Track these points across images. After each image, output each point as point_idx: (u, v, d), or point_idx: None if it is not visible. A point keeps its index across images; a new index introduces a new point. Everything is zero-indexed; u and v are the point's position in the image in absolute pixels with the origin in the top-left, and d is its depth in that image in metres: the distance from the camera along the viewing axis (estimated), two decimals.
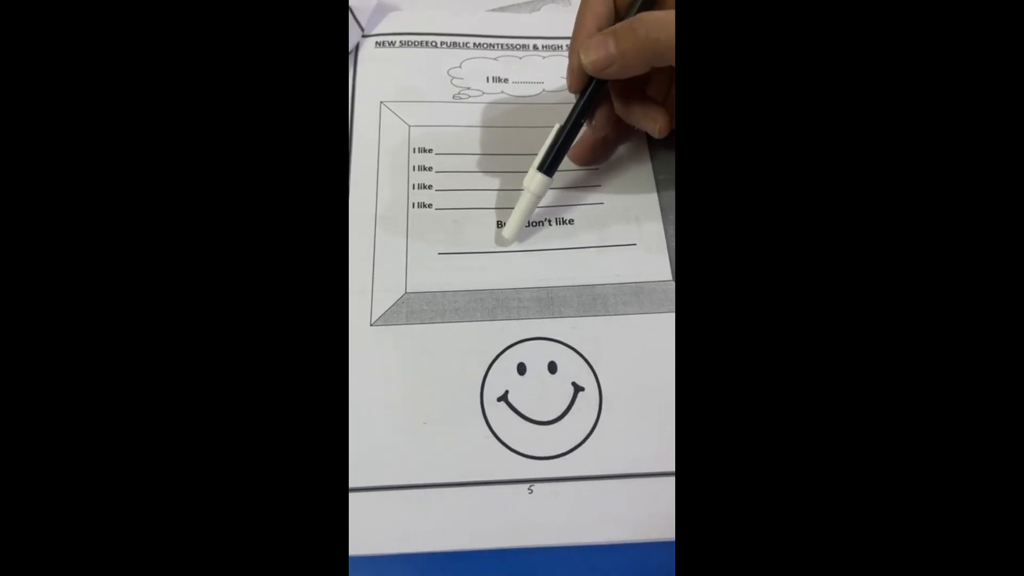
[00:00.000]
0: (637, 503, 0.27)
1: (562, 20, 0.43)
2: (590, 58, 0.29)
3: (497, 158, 0.36)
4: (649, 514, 0.27)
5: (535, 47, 0.41)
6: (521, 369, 0.30)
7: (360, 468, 0.27)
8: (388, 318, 0.31)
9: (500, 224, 0.34)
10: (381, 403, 0.29)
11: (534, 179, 0.32)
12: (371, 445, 0.28)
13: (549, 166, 0.32)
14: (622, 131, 0.36)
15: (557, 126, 0.32)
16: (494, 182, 0.36)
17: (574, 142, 0.32)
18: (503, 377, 0.30)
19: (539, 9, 0.43)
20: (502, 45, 0.41)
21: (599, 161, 0.37)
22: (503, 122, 0.38)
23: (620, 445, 0.29)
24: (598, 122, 0.33)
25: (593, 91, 0.31)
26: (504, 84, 0.39)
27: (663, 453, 0.28)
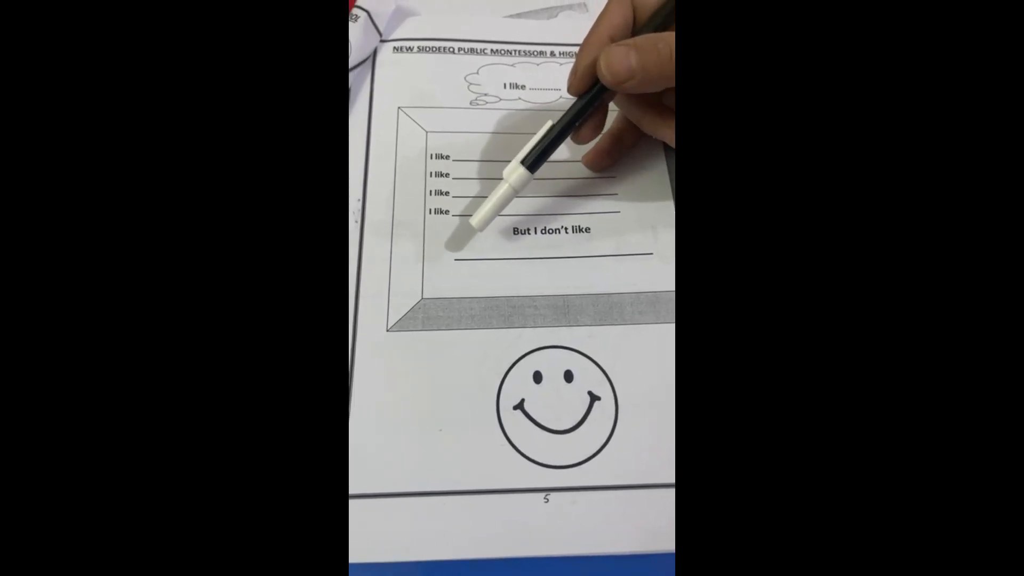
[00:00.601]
0: (653, 514, 0.27)
1: (579, 27, 0.43)
2: (611, 69, 0.29)
3: None
4: (665, 525, 0.27)
5: (552, 54, 0.41)
6: (537, 377, 0.30)
7: (375, 474, 0.27)
8: (404, 324, 0.31)
9: (517, 231, 0.34)
10: (396, 409, 0.29)
11: (515, 172, 0.31)
12: (386, 451, 0.28)
13: (533, 162, 0.31)
14: (635, 137, 0.36)
15: (549, 123, 0.31)
16: None
17: (561, 142, 0.32)
18: (519, 385, 0.30)
19: (556, 16, 0.43)
20: (519, 51, 0.41)
21: (612, 167, 0.37)
22: (520, 129, 0.38)
23: (636, 455, 0.28)
24: (585, 132, 0.32)
25: (594, 97, 0.31)
26: (521, 91, 0.40)
27: None
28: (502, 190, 0.31)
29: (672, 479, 0.28)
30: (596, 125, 0.32)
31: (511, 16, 0.43)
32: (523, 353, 0.31)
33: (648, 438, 0.29)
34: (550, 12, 0.44)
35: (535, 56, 0.41)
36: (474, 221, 0.32)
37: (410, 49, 0.41)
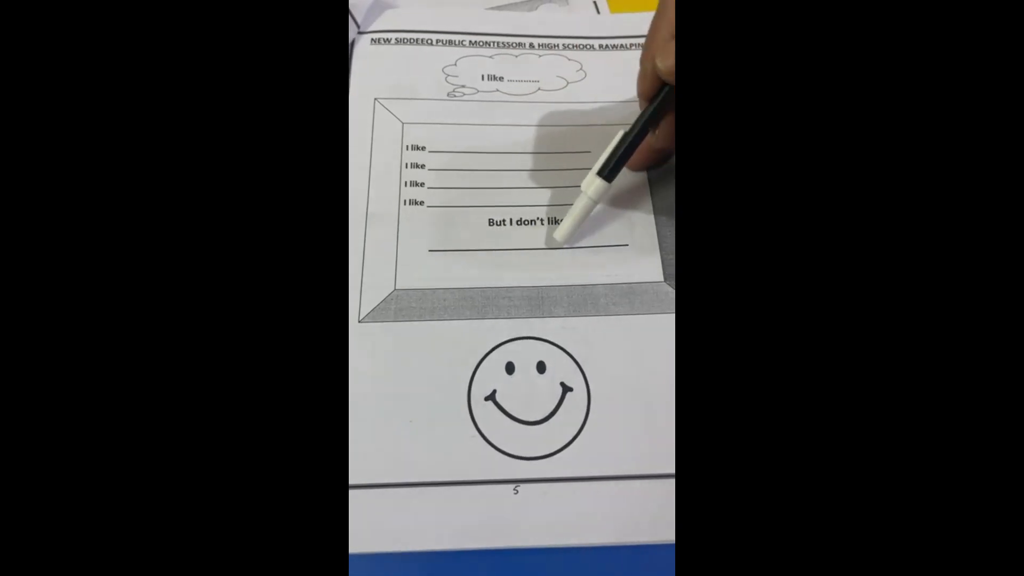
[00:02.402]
0: (624, 505, 0.27)
1: (558, 20, 0.43)
2: (666, 64, 0.29)
3: (490, 156, 0.36)
4: (636, 516, 0.27)
5: (531, 46, 0.41)
6: (509, 368, 0.30)
7: None
8: (376, 315, 0.31)
9: (492, 222, 0.34)
10: (367, 400, 0.29)
11: (592, 184, 0.32)
12: (356, 442, 0.28)
13: (610, 172, 0.31)
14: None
15: (622, 132, 0.31)
16: (487, 180, 0.35)
17: (634, 150, 0.32)
18: (491, 376, 0.30)
19: (536, 9, 0.43)
20: (498, 43, 0.41)
21: (656, 167, 0.36)
22: (497, 120, 0.38)
23: (608, 446, 0.28)
24: (663, 131, 0.32)
25: (664, 98, 0.31)
26: (499, 82, 0.39)
27: (651, 455, 0.28)
28: (582, 203, 0.32)
29: (643, 470, 0.28)
30: (671, 123, 0.32)
31: (491, 9, 0.43)
32: (496, 344, 0.30)
33: (620, 430, 0.29)
34: (529, 5, 0.43)
35: (513, 48, 0.41)
36: (558, 235, 0.33)
37: (388, 41, 0.40)
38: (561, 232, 0.33)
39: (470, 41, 0.41)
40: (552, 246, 0.33)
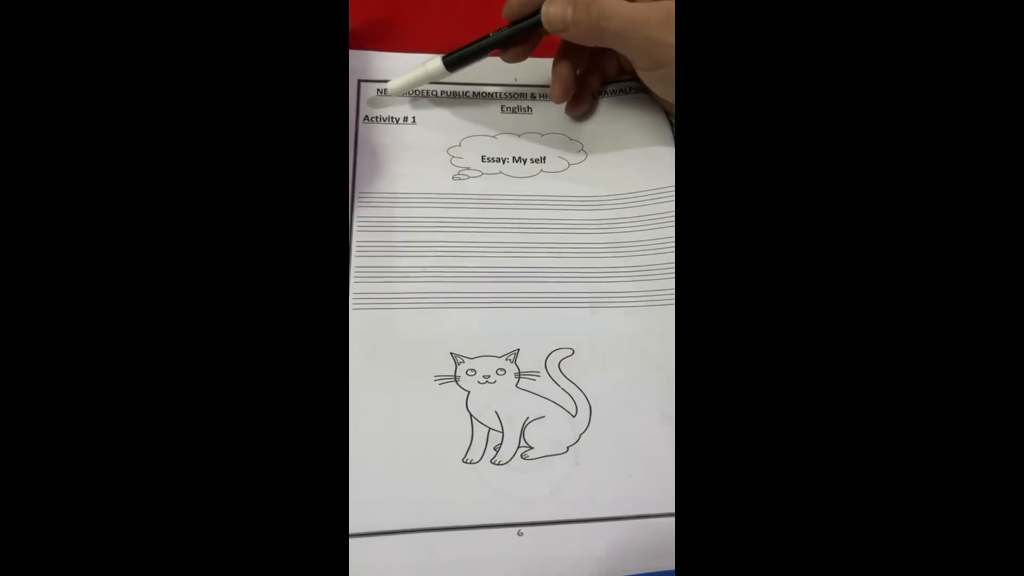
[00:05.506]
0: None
1: None
2: (549, 18, 0.34)
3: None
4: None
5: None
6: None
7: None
8: None
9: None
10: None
11: (436, 62, 0.38)
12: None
13: (452, 62, 0.37)
14: (600, 82, 0.41)
15: (487, 37, 0.37)
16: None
17: (485, 55, 0.37)
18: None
19: None
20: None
21: (585, 110, 0.40)
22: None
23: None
24: (510, 54, 0.37)
25: (523, 29, 0.36)
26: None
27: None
28: (420, 72, 0.38)
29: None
30: (524, 52, 0.37)
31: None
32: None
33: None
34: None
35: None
36: (391, 87, 0.39)
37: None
38: (393, 85, 0.39)
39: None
40: (384, 93, 0.40)
